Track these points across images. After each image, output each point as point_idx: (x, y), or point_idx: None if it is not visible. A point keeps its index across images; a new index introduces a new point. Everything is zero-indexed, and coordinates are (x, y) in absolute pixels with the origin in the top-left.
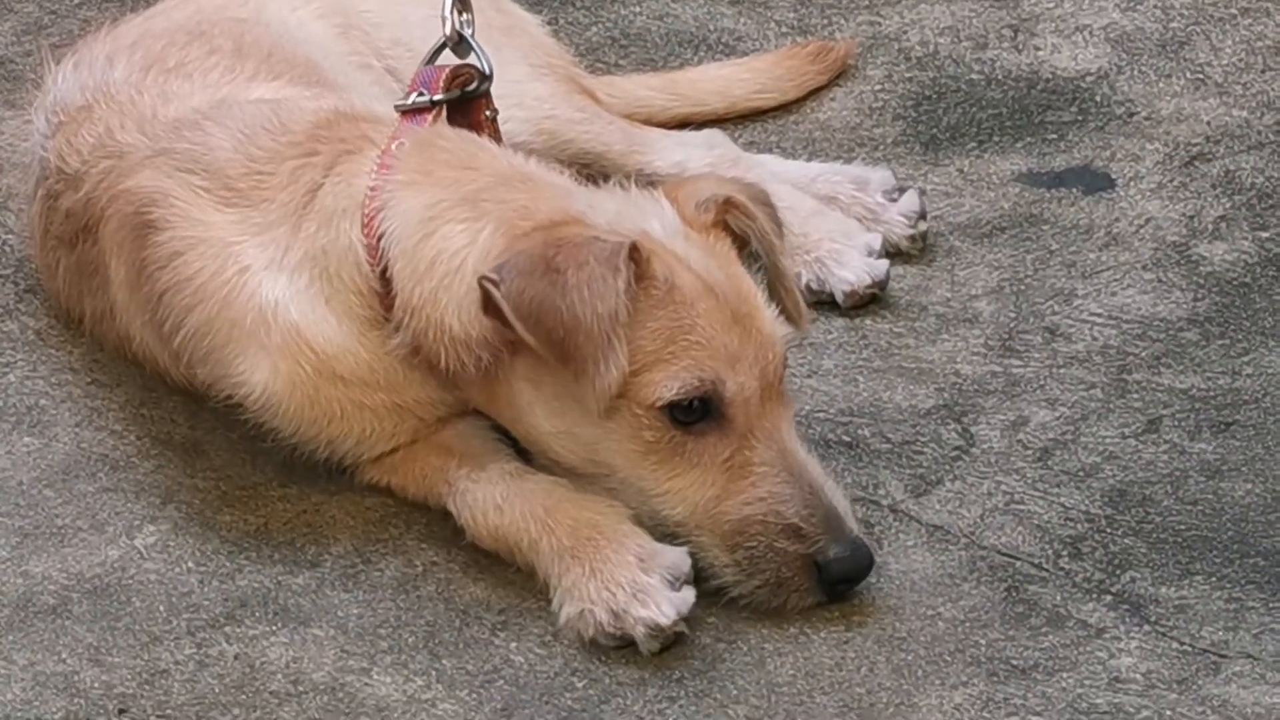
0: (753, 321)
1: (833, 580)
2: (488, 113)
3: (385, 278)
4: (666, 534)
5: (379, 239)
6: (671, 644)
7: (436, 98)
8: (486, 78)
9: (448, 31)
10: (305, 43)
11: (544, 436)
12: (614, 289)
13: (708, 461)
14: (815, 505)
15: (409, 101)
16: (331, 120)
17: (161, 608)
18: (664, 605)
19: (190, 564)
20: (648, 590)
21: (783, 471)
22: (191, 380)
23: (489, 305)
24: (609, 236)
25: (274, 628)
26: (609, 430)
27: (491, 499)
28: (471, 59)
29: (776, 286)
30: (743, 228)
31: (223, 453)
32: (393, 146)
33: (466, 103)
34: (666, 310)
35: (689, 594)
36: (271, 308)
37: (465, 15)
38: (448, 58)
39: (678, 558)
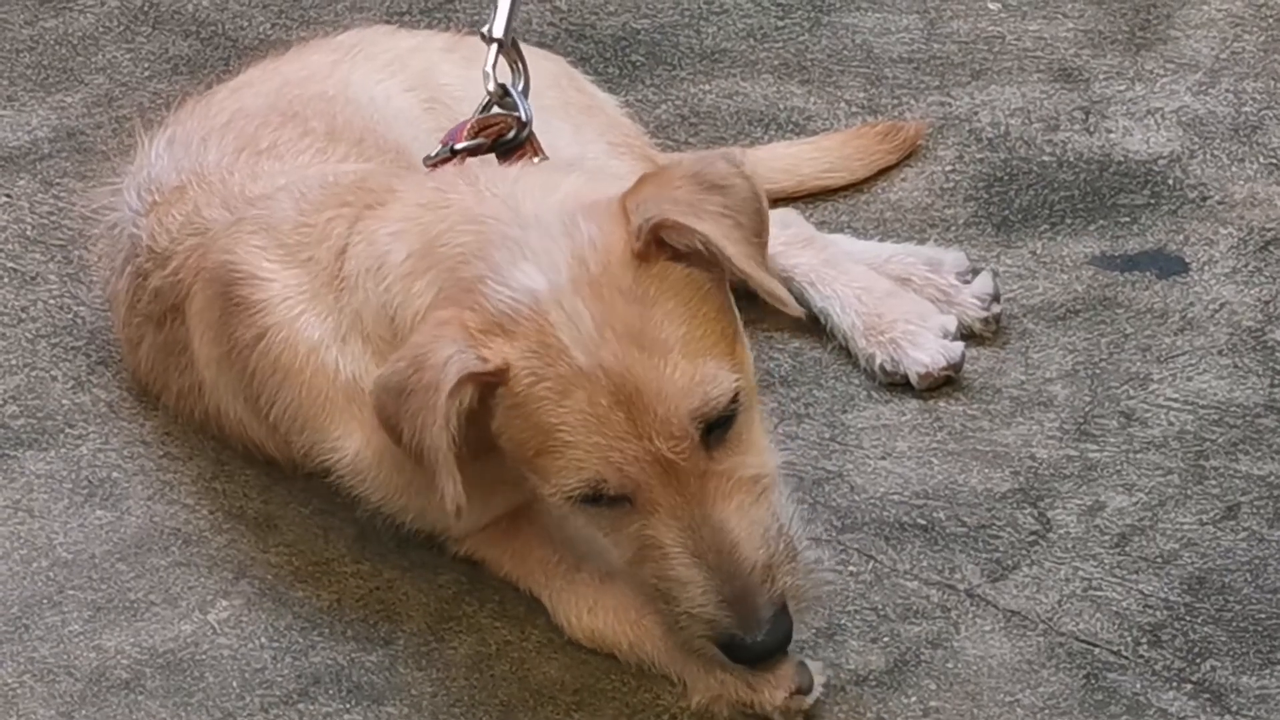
0: (640, 399)
1: (735, 658)
2: (535, 159)
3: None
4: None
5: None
6: None
7: (459, 145)
8: (525, 124)
9: (490, 87)
10: (394, 119)
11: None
12: (436, 423)
13: (621, 529)
14: (721, 590)
15: (434, 154)
16: (370, 173)
17: (235, 683)
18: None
19: (263, 639)
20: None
21: (687, 556)
22: (289, 450)
23: None
24: (453, 363)
25: (347, 705)
26: (542, 501)
27: (585, 601)
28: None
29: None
30: (686, 245)
31: (295, 527)
32: None
33: (510, 152)
34: (530, 409)
35: (816, 669)
36: (351, 381)
37: (516, 69)
38: None
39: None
